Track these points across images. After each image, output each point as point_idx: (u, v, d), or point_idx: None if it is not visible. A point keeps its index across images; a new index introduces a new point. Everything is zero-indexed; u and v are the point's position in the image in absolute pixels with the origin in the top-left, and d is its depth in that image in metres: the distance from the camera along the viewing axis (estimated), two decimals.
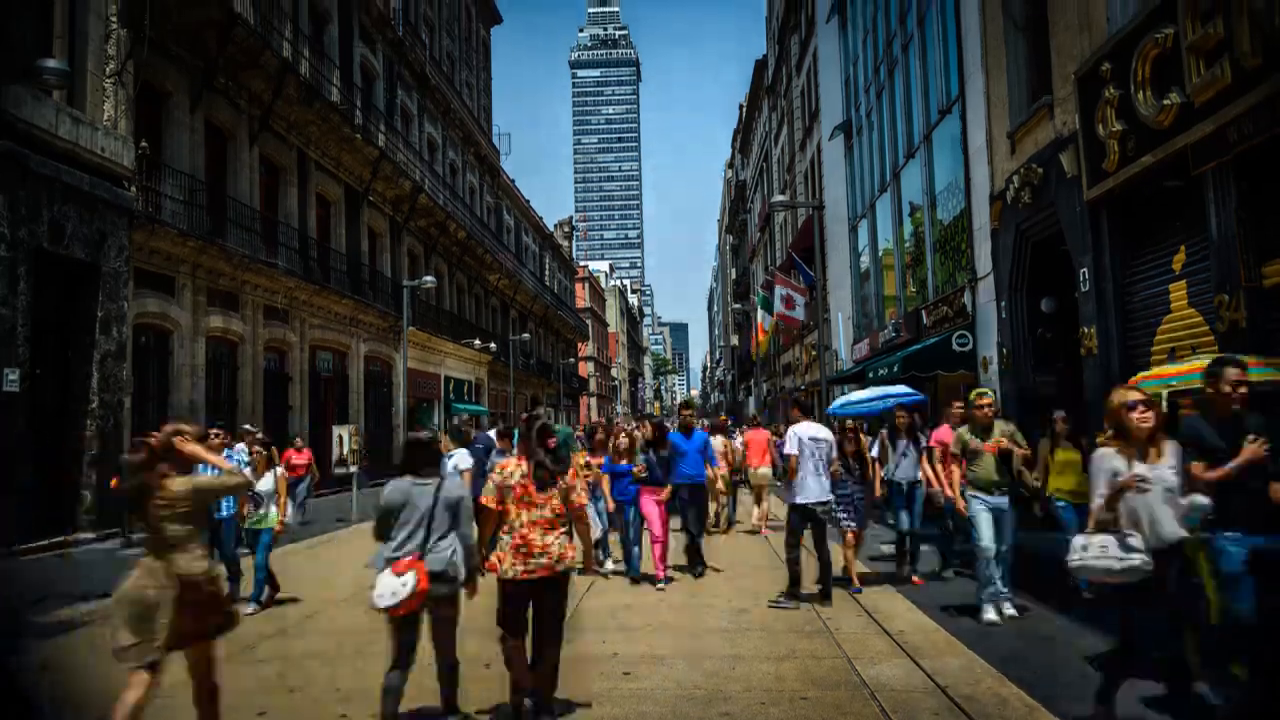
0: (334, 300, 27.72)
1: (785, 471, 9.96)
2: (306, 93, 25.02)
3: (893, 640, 7.80)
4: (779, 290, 30.17)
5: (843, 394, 20.16)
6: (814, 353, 32.08)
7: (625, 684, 6.78)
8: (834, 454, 9.87)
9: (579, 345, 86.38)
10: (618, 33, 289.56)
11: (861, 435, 11.35)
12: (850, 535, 10.46)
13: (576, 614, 8.91)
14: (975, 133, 17.00)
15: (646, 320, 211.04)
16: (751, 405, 66.17)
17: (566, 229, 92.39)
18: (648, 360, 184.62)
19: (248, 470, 9.49)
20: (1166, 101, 9.66)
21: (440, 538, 5.64)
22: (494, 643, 5.86)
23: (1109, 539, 5.28)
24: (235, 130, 22.93)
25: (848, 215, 29.20)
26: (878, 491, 11.75)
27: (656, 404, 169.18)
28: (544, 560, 5.63)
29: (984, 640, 7.70)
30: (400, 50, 35.71)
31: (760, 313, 32.63)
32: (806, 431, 9.70)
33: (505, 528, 5.74)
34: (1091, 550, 5.31)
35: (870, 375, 21.46)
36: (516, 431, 8.39)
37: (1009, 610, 8.56)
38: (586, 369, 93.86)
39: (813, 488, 9.50)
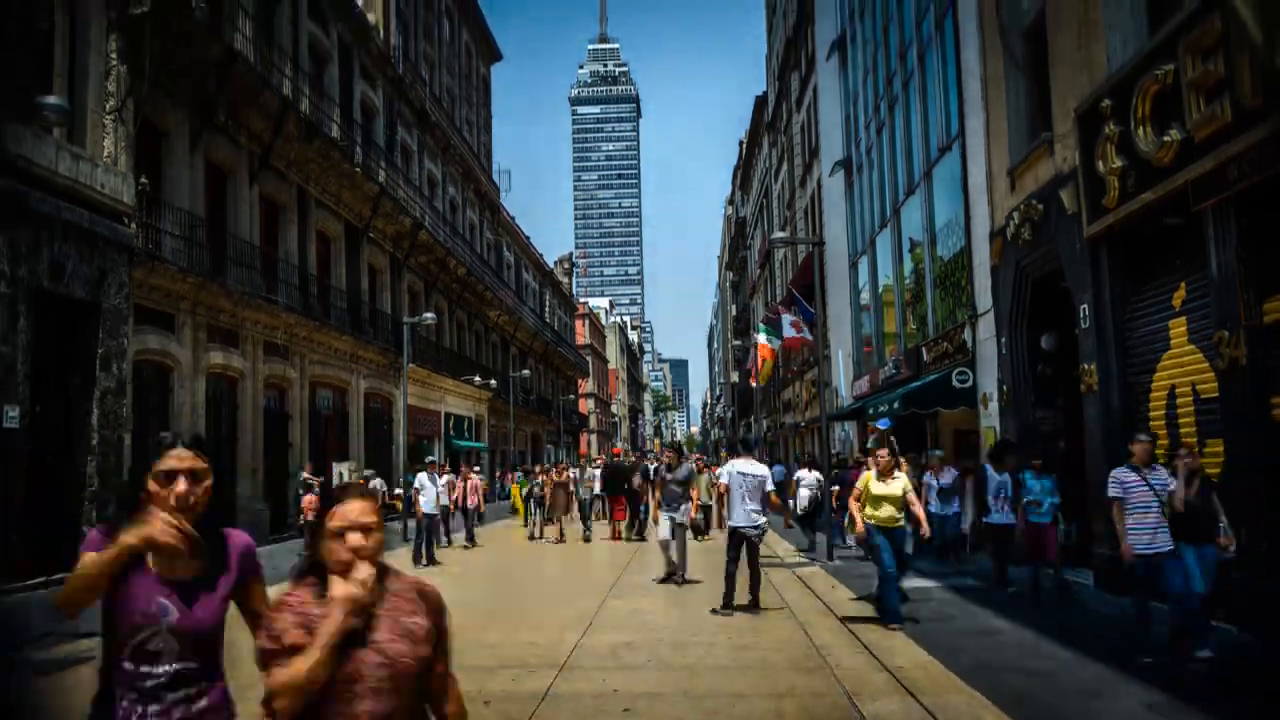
0: (334, 337, 27.71)
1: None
2: (307, 130, 25.13)
3: (892, 676, 7.68)
4: (786, 317, 30.09)
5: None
6: (814, 389, 32.02)
7: None
8: (769, 486, 11.34)
9: (579, 382, 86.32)
10: (618, 69, 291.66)
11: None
12: None
13: (577, 651, 8.84)
14: (975, 169, 17.05)
15: (646, 357, 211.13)
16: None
17: (566, 265, 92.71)
18: (648, 397, 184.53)
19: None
20: (1167, 138, 9.67)
21: None
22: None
23: None
24: (235, 167, 23.00)
25: (848, 252, 29.25)
26: None
27: (656, 440, 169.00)
28: None
29: (984, 676, 7.57)
30: (400, 87, 35.94)
31: (762, 336, 32.58)
32: (738, 466, 11.39)
33: None
34: None
35: (870, 411, 21.42)
36: None
37: None
38: (586, 405, 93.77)
39: (739, 514, 11.09)
